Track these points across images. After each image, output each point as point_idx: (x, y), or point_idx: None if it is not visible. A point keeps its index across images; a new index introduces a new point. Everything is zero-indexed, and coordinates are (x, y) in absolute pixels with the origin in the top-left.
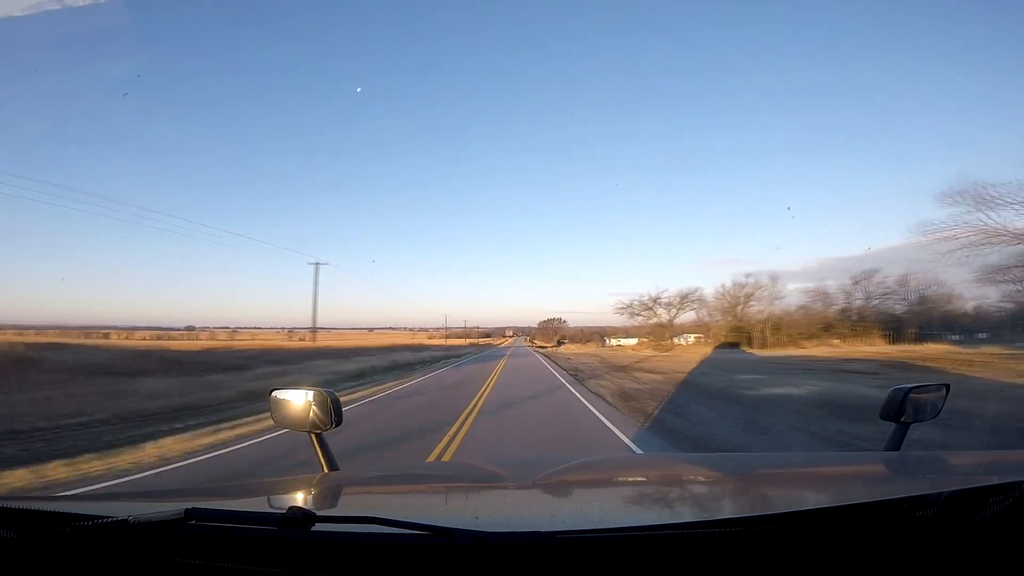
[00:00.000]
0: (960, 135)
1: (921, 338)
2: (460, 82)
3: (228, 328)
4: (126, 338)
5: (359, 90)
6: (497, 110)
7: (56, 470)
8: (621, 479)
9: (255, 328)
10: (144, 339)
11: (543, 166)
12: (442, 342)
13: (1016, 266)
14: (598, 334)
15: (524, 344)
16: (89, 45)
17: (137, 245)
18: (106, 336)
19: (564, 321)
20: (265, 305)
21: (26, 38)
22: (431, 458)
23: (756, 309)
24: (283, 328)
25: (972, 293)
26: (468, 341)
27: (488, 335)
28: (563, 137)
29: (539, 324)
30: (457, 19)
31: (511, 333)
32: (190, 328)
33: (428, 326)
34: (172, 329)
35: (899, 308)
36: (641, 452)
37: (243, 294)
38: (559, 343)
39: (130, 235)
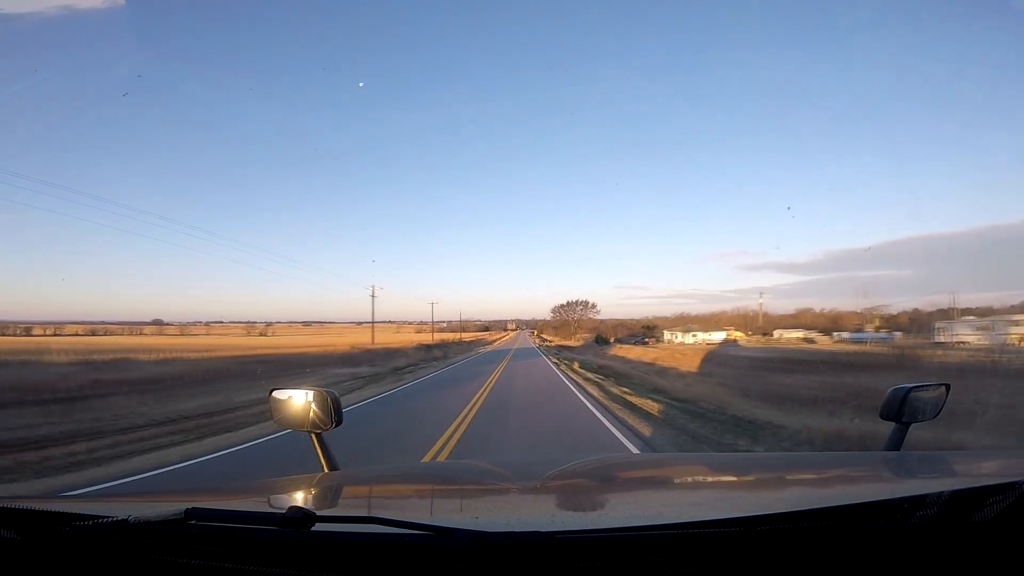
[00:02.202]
0: (961, 135)
1: None
2: (461, 79)
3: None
4: (53, 334)
5: (361, 85)
6: (498, 109)
7: None
8: (622, 479)
9: (217, 322)
10: (76, 333)
11: (547, 166)
12: (403, 340)
13: None
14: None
15: (532, 344)
16: (89, 45)
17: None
18: (27, 331)
19: (595, 306)
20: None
21: (26, 38)
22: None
23: None
24: (240, 322)
25: None
26: (436, 338)
27: (487, 328)
28: (566, 136)
29: (554, 311)
30: (460, 18)
31: (513, 327)
32: (157, 322)
33: (426, 319)
34: (139, 323)
35: None
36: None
37: (211, 286)
38: (600, 342)
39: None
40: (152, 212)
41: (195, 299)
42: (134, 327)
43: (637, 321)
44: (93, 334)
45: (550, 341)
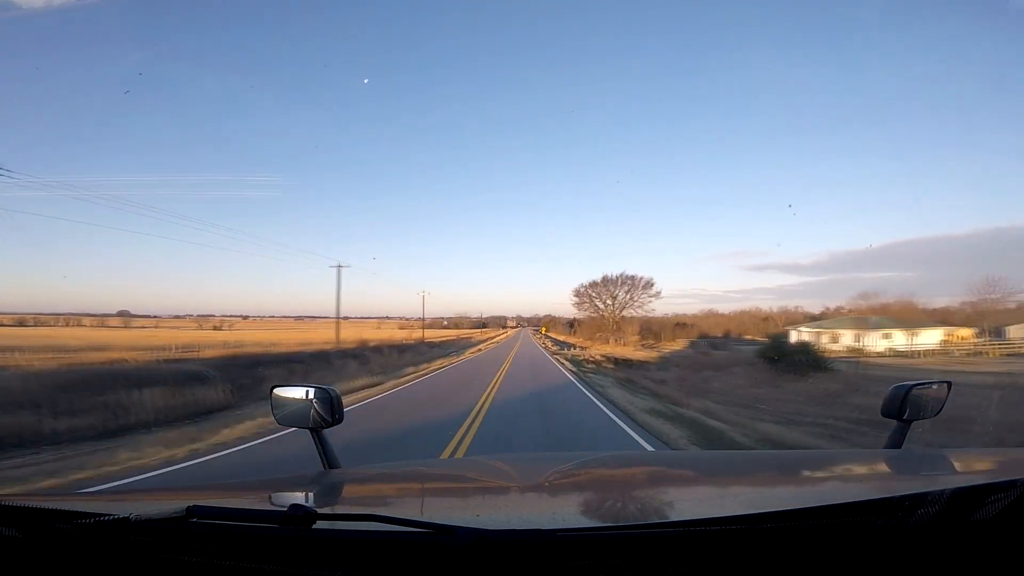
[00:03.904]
0: (965, 135)
1: None
2: (463, 75)
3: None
4: None
5: (366, 81)
6: (496, 104)
7: None
8: (625, 477)
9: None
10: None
11: (546, 164)
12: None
13: None
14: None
15: (546, 354)
16: (91, 43)
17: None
18: None
19: (651, 286)
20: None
21: (27, 36)
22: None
23: None
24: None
25: None
26: (348, 338)
27: (483, 325)
28: (565, 133)
29: (579, 295)
30: (460, 15)
31: (513, 323)
32: (123, 313)
33: (428, 315)
34: (103, 315)
35: None
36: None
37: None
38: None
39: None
40: (139, 204)
41: (163, 292)
42: (71, 318)
43: (660, 320)
44: (21, 324)
45: (586, 348)
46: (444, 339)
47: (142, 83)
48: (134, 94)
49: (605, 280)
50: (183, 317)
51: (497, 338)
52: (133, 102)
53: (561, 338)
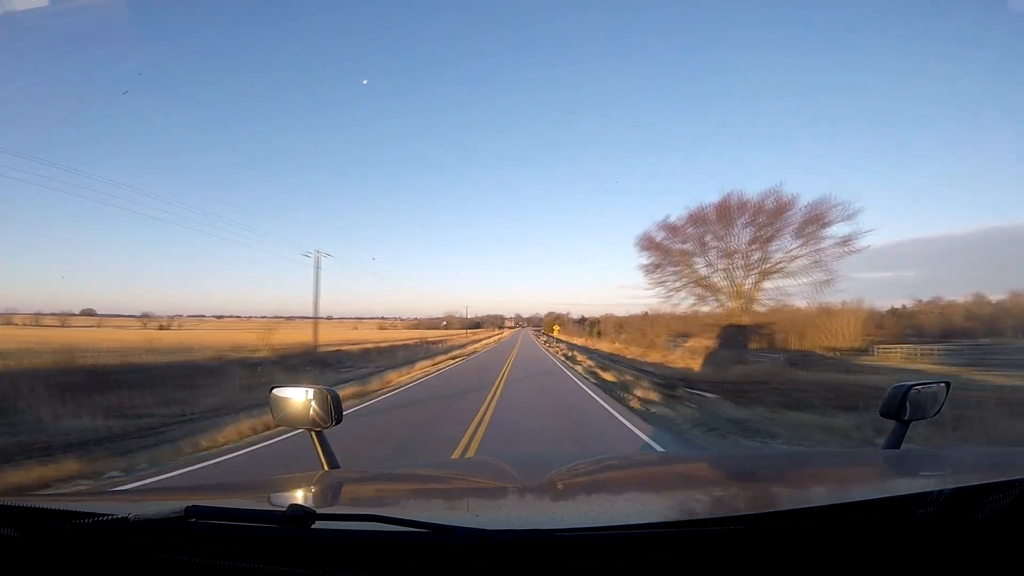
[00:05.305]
0: (962, 131)
1: None
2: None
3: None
4: None
5: (364, 82)
6: (495, 104)
7: None
8: (625, 478)
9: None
10: None
11: (546, 165)
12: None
13: None
14: None
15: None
16: (90, 43)
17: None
18: None
19: (830, 220)
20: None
21: (26, 36)
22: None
23: None
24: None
25: None
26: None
27: (478, 325)
28: (565, 133)
29: (654, 243)
30: (461, 16)
31: (512, 324)
32: (89, 312)
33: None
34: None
35: None
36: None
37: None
38: None
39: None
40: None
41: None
42: (7, 316)
43: (681, 319)
44: None
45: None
46: (398, 343)
47: (140, 84)
48: (131, 95)
49: (723, 209)
50: (162, 317)
51: (482, 344)
52: (129, 103)
53: (579, 341)
